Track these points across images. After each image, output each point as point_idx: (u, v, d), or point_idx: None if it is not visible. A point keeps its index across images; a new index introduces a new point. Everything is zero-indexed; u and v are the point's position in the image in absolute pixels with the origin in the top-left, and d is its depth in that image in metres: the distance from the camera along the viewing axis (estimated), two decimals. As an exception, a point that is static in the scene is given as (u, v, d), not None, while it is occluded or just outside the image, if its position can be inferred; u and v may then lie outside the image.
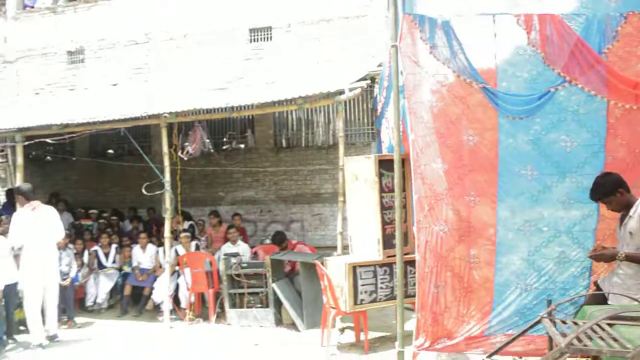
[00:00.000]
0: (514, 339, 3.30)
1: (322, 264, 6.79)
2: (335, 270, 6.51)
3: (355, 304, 6.33)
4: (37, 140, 8.80)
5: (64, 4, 13.12)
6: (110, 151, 12.82)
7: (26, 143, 8.74)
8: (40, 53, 13.23)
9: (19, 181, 8.56)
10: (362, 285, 6.34)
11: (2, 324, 7.19)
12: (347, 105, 10.62)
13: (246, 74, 10.96)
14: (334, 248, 7.95)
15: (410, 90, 4.91)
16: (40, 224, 7.38)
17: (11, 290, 7.39)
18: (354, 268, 6.30)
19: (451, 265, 4.93)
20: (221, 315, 8.30)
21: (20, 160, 8.73)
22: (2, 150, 13.51)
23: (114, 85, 12.25)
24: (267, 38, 11.39)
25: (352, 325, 7.19)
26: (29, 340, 7.42)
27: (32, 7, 13.61)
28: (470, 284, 4.96)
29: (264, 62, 11.26)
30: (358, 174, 6.57)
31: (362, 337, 6.70)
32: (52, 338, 7.65)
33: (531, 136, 4.79)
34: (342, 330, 7.37)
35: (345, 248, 7.35)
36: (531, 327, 3.30)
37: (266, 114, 10.58)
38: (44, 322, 7.54)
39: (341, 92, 7.36)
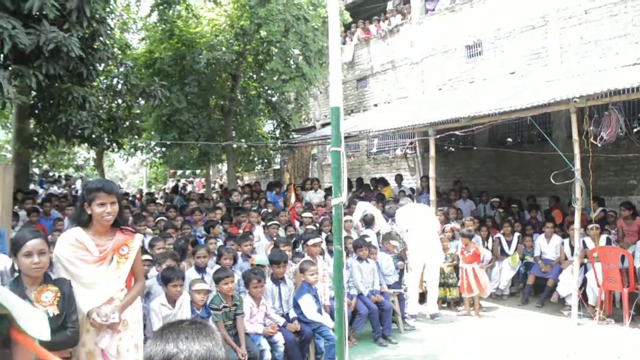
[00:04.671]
0: None
1: None
2: None
3: None
4: (447, 133, 9.48)
5: (461, 1, 13.78)
6: (509, 140, 12.91)
7: (438, 136, 9.50)
8: (441, 51, 14.24)
9: (431, 172, 9.39)
10: None
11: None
12: None
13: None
14: None
15: None
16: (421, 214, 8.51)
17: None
18: None
19: None
20: (637, 319, 7.49)
21: (432, 152, 9.52)
22: (412, 143, 15.14)
23: (512, 73, 12.24)
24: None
25: None
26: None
27: (433, 10, 14.76)
28: None
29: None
30: None
31: None
32: (432, 316, 8.27)
33: None
34: None
35: None
36: None
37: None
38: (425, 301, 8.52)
39: None
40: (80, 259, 3.47)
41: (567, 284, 8.29)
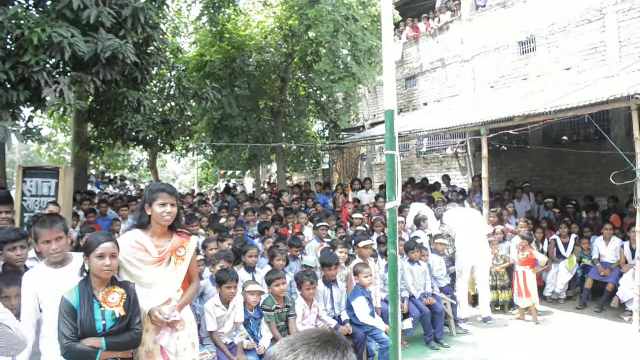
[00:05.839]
0: None
1: None
2: None
3: None
4: (500, 132, 9.23)
5: (513, -4, 13.44)
6: (565, 138, 12.48)
7: (491, 135, 9.27)
8: (493, 48, 13.93)
9: (484, 172, 9.16)
10: None
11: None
12: None
13: None
14: None
15: None
16: (469, 217, 8.43)
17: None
18: None
19: None
20: (703, 326, 7.10)
21: (485, 152, 9.29)
22: (463, 142, 14.87)
23: (567, 69, 11.85)
24: None
25: None
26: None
27: (484, 6, 14.44)
28: None
29: None
30: None
31: None
32: (485, 320, 8.10)
33: None
34: None
35: None
36: None
37: None
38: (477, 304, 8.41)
39: None
40: (140, 260, 3.56)
41: (628, 289, 7.96)
